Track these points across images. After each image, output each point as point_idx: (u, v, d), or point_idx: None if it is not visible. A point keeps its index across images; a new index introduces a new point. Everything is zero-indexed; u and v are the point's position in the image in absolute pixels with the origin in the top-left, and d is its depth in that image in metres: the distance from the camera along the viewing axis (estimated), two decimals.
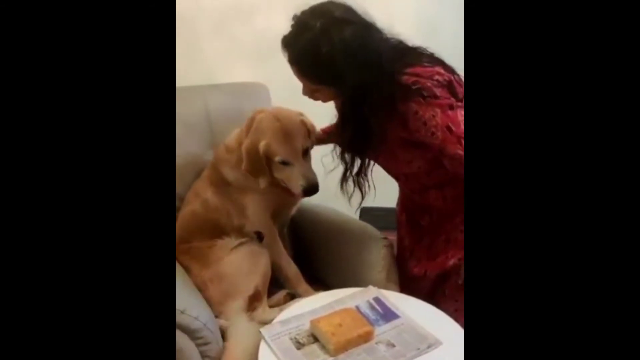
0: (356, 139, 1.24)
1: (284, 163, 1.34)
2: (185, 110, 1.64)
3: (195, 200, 1.54)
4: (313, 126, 1.43)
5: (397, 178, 1.44)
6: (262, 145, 1.32)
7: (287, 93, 1.99)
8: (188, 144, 1.65)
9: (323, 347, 1.08)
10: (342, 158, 1.32)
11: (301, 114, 1.41)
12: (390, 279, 1.45)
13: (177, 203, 1.60)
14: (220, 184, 1.49)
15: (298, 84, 2.03)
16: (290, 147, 1.33)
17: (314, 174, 1.36)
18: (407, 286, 1.46)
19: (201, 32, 1.88)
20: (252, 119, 1.40)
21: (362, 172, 1.30)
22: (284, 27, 1.99)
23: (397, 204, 1.60)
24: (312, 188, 1.35)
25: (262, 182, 1.37)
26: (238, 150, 1.40)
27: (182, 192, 1.61)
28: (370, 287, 1.31)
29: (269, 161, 1.34)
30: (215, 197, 1.50)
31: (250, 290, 1.40)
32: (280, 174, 1.37)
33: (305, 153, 1.37)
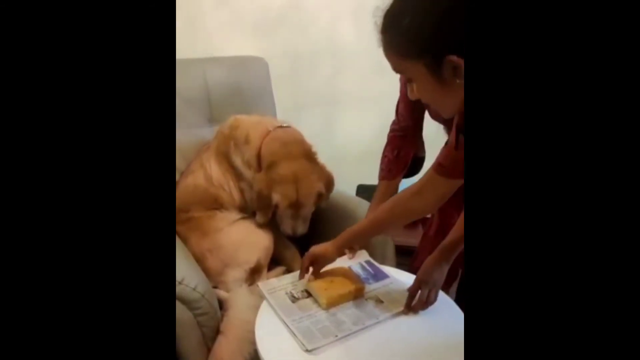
0: None
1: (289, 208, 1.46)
2: (184, 84, 1.65)
3: (199, 170, 1.55)
4: (328, 192, 1.54)
5: None
6: (275, 197, 1.43)
7: (286, 67, 2.00)
8: (187, 117, 1.66)
9: (316, 302, 1.15)
10: None
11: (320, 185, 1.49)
12: (386, 254, 1.48)
13: (178, 177, 1.61)
14: (225, 160, 1.53)
15: (296, 59, 2.03)
16: (298, 210, 1.46)
17: (305, 227, 1.50)
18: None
19: (203, 5, 1.87)
20: (274, 156, 1.45)
21: None
22: (284, 1, 1.98)
23: None
24: (297, 236, 1.51)
25: (260, 218, 1.48)
26: (254, 153, 1.48)
27: (183, 166, 1.62)
28: (363, 251, 1.38)
29: (277, 207, 1.46)
30: (218, 172, 1.53)
31: (252, 263, 1.43)
32: (281, 213, 1.48)
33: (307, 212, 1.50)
